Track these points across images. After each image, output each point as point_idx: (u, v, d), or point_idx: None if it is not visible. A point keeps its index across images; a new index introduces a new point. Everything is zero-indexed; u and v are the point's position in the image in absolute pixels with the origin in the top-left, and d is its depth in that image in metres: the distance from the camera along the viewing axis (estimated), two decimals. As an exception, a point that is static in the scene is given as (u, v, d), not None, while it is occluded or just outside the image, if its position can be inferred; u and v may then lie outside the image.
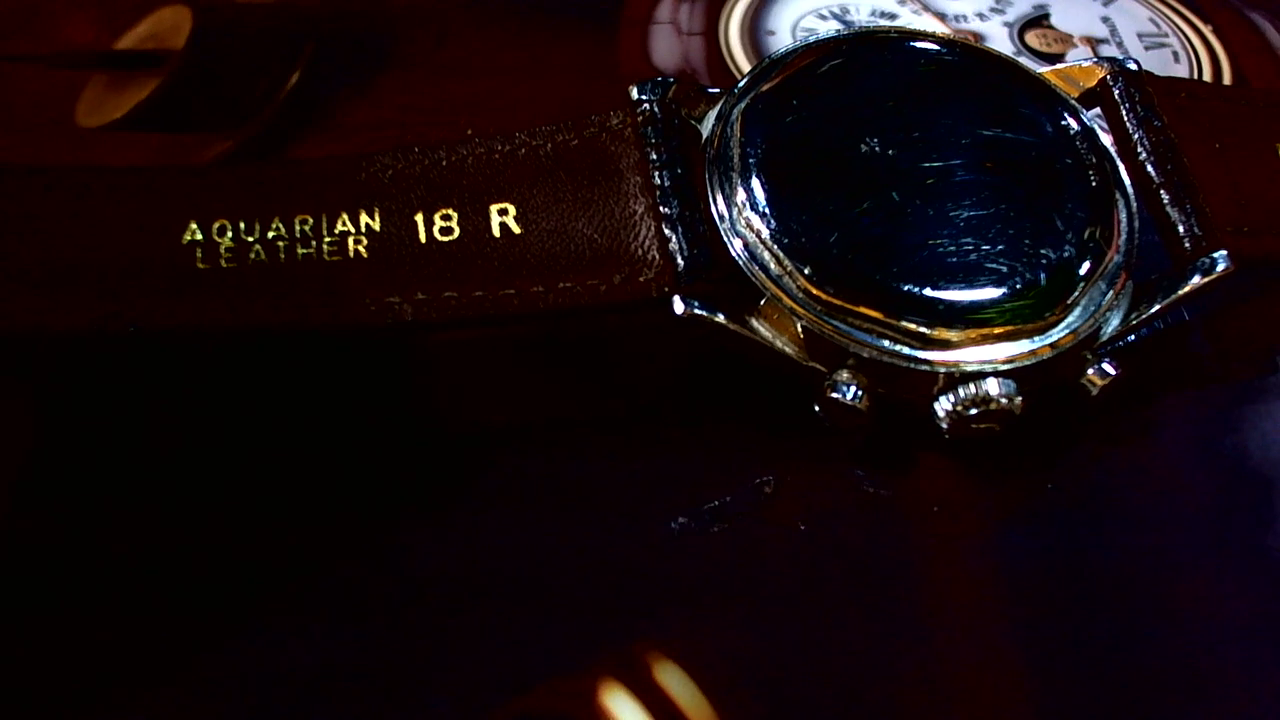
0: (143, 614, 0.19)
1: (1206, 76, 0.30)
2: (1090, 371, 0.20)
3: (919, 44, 0.23)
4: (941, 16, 0.32)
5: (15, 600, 0.19)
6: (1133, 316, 0.21)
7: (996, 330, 0.20)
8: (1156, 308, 0.21)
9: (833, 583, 0.20)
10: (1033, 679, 0.19)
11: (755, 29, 0.31)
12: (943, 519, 0.20)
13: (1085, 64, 0.23)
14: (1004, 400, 0.19)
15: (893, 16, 0.31)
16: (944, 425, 0.20)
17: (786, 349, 0.20)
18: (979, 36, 0.31)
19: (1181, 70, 0.30)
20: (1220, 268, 0.21)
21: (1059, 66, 0.24)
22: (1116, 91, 0.23)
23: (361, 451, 0.21)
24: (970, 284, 0.20)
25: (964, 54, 0.23)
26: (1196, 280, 0.21)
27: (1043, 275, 0.20)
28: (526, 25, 0.30)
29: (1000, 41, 0.31)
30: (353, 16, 0.30)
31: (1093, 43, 0.31)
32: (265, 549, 0.20)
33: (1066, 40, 0.31)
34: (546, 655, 0.18)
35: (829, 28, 0.31)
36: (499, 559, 0.20)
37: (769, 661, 0.19)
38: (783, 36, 0.31)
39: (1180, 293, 0.21)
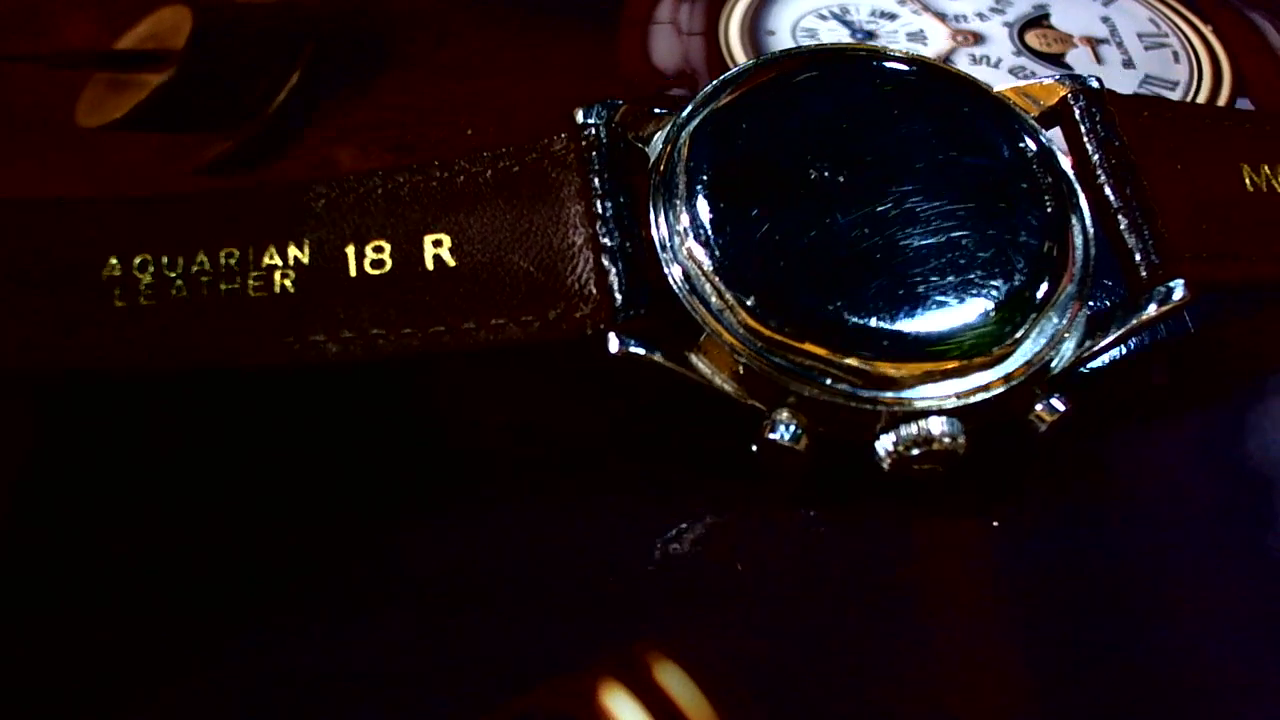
0: (143, 614, 0.19)
1: (1206, 77, 0.30)
2: (1039, 407, 0.20)
3: (875, 63, 0.22)
4: (941, 17, 0.32)
5: (15, 600, 0.19)
6: (1086, 347, 0.20)
7: (944, 366, 0.19)
8: (1110, 338, 0.20)
9: (833, 583, 0.20)
10: (1033, 679, 0.19)
11: (755, 29, 0.31)
12: (943, 519, 0.20)
13: (1046, 81, 0.23)
14: (947, 440, 0.19)
15: (893, 16, 0.32)
16: (884, 465, 0.19)
17: (726, 386, 0.20)
18: (979, 36, 0.31)
19: (1182, 70, 0.30)
20: (1177, 296, 0.20)
21: (1020, 84, 0.23)
22: (1077, 110, 0.22)
23: (361, 451, 0.21)
24: (918, 318, 0.19)
25: (921, 74, 0.22)
26: (1152, 310, 0.20)
27: (993, 308, 0.19)
28: (526, 25, 0.30)
29: (1000, 41, 0.31)
30: (353, 16, 0.30)
31: (1093, 43, 0.31)
32: (265, 549, 0.20)
33: (1066, 40, 0.31)
34: (546, 655, 0.18)
35: (829, 28, 0.31)
36: (499, 559, 0.20)
37: (769, 661, 0.19)
38: (783, 36, 0.31)
39: (1134, 323, 0.20)
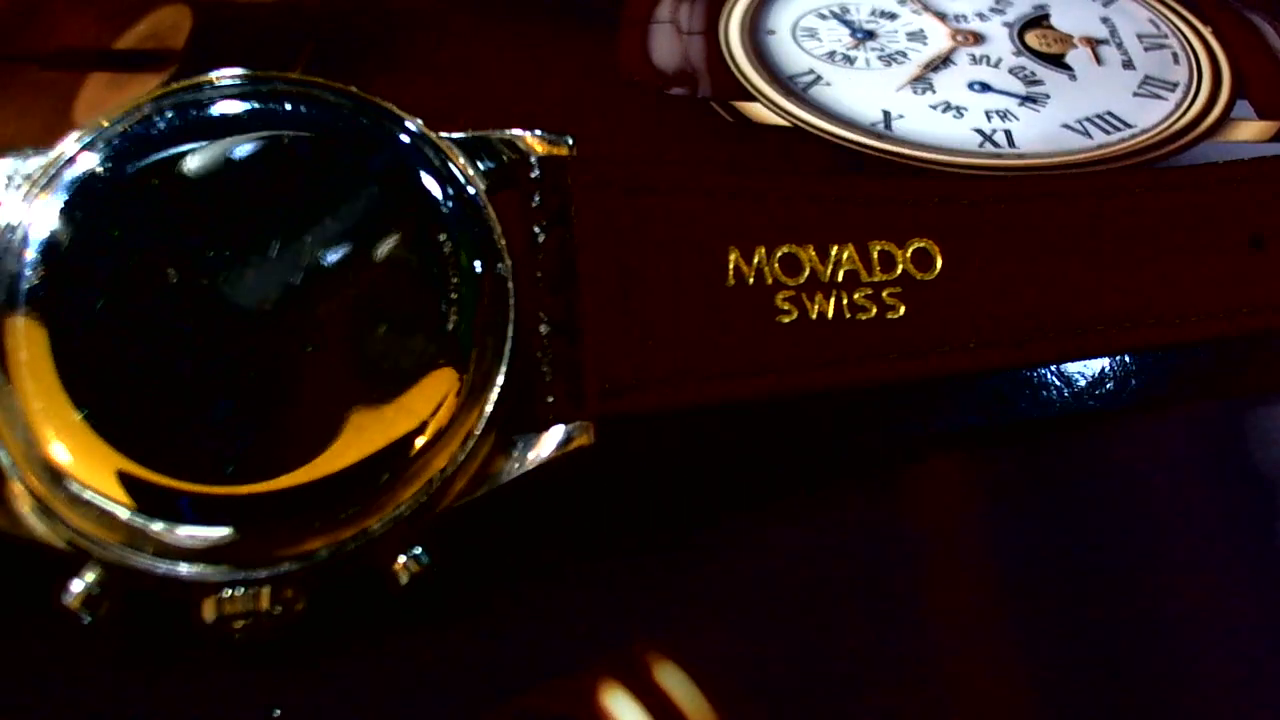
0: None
1: (1206, 78, 0.30)
2: (402, 559, 0.17)
3: (276, 109, 0.17)
4: (941, 16, 0.32)
5: (17, 600, 0.19)
6: (470, 492, 0.17)
7: (272, 532, 0.16)
8: (502, 481, 0.17)
9: (832, 584, 0.20)
10: (1032, 678, 0.19)
11: (755, 28, 0.31)
12: (943, 519, 0.20)
13: (515, 134, 0.18)
14: (274, 608, 0.16)
15: (893, 16, 0.32)
16: (208, 626, 0.16)
17: (39, 529, 0.16)
18: (979, 36, 0.31)
19: (1181, 71, 0.30)
20: (576, 441, 0.17)
21: (492, 133, 0.19)
22: (532, 180, 0.18)
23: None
24: (243, 474, 0.15)
25: (332, 124, 0.17)
26: (549, 450, 0.17)
27: (340, 459, 0.16)
28: (526, 25, 0.30)
29: (1000, 41, 0.31)
30: (353, 16, 0.30)
31: (1092, 43, 0.31)
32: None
33: (1066, 40, 0.31)
34: (546, 655, 0.18)
35: (828, 27, 0.31)
36: (499, 558, 0.20)
37: (769, 661, 0.19)
38: (783, 36, 0.31)
39: (528, 467, 0.17)
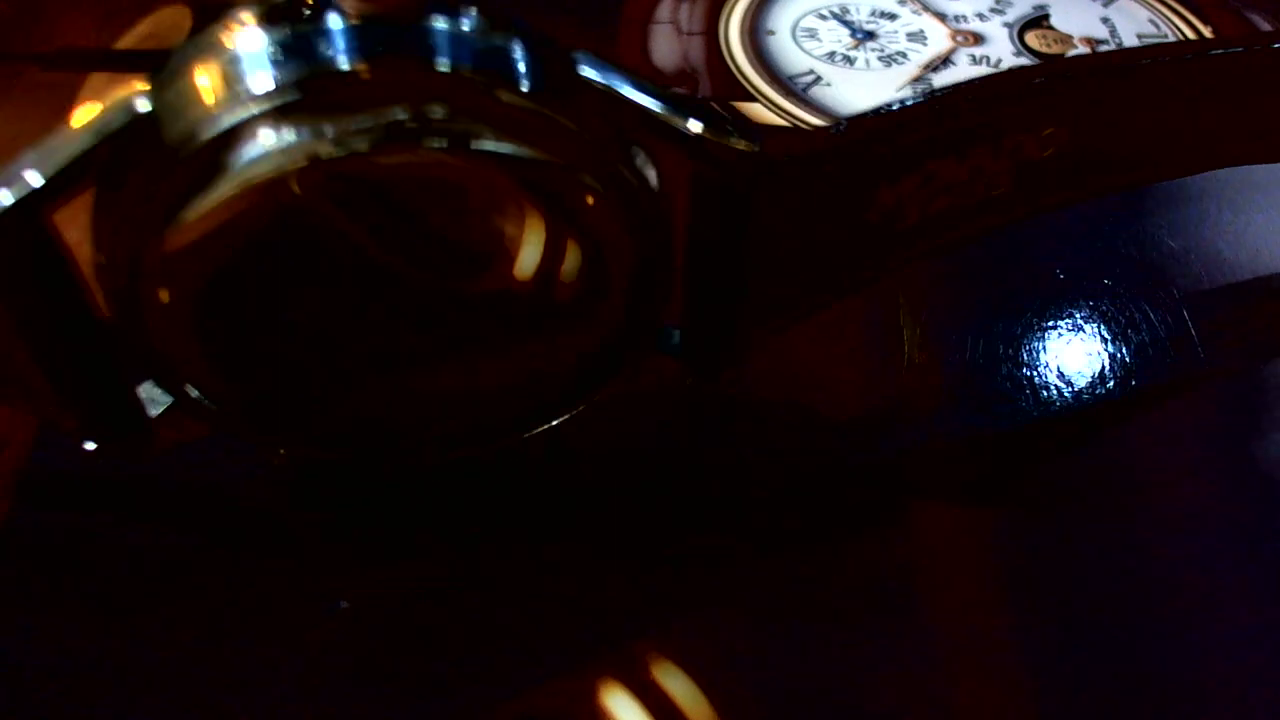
0: (143, 614, 0.19)
1: (1206, 77, 0.30)
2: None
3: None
4: (941, 17, 0.32)
5: (16, 600, 0.19)
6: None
7: None
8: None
9: (832, 583, 0.20)
10: (1032, 679, 0.19)
11: (755, 29, 0.31)
12: (943, 520, 0.20)
13: (724, 114, 0.17)
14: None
15: (893, 16, 0.32)
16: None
17: None
18: (979, 37, 0.31)
19: (1181, 71, 0.30)
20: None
21: (700, 100, 0.17)
22: (712, 170, 0.17)
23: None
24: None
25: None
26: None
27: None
28: (526, 25, 0.30)
29: (1000, 42, 0.31)
30: (353, 16, 0.30)
31: (1092, 44, 0.31)
32: (262, 546, 0.20)
33: (1066, 41, 0.31)
34: (547, 655, 0.18)
35: (829, 27, 0.31)
36: (500, 558, 0.20)
37: (769, 662, 0.19)
38: (783, 36, 0.31)
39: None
